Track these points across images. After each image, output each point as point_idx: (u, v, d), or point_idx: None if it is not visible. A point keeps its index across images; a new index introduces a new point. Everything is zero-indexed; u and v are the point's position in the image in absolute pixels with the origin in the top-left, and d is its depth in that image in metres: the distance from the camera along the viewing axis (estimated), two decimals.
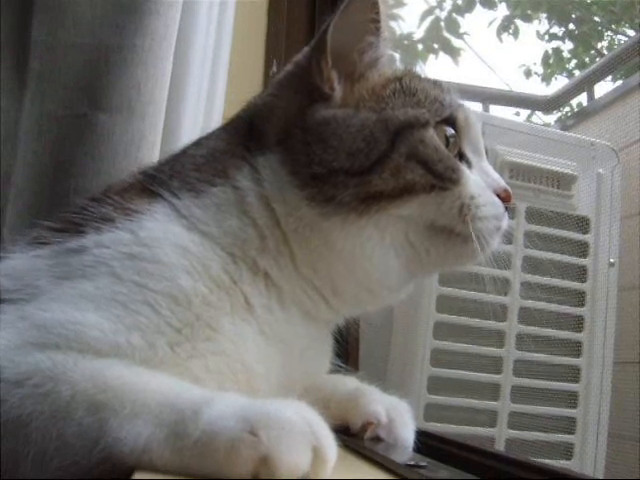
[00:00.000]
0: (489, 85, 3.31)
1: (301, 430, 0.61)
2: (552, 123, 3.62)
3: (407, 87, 0.94)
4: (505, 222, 0.95)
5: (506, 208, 0.95)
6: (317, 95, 0.91)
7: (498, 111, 3.15)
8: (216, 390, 0.73)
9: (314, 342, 0.94)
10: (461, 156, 0.95)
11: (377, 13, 0.93)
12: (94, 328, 0.74)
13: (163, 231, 0.83)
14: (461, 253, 0.91)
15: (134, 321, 0.76)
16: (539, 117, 3.77)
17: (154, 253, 0.81)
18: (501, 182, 0.95)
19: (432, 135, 0.89)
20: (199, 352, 0.79)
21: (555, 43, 4.43)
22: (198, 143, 0.99)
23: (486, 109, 3.04)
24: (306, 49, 0.97)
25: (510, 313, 2.06)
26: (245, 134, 0.95)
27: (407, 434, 0.90)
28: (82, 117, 1.31)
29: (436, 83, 0.98)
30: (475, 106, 2.98)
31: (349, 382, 0.95)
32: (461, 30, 4.10)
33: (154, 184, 0.90)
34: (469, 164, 0.95)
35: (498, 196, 0.94)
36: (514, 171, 2.10)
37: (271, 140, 0.91)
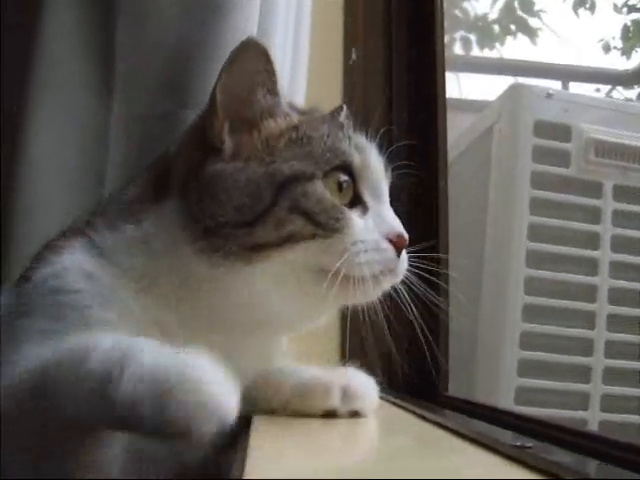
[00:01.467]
0: (567, 62, 3.22)
1: None
2: (634, 98, 3.50)
3: (301, 137, 0.95)
4: (400, 264, 0.95)
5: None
6: (209, 148, 0.94)
7: (578, 88, 3.06)
8: None
9: (237, 348, 0.94)
10: (357, 200, 0.96)
11: (269, 62, 0.94)
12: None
13: (72, 261, 0.90)
14: (349, 294, 0.91)
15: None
16: (620, 92, 3.65)
17: (64, 283, 0.88)
18: (396, 227, 0.96)
19: (316, 187, 0.91)
20: None
21: (634, 15, 4.28)
22: (122, 189, 1.04)
23: (565, 87, 2.97)
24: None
25: (600, 294, 2.03)
26: (156, 182, 0.99)
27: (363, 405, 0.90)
28: (169, 115, 1.34)
29: (334, 128, 0.99)
30: (554, 84, 2.92)
31: (304, 371, 0.95)
32: (536, 8, 4.00)
33: (83, 225, 0.98)
34: (365, 208, 0.96)
35: (391, 241, 0.94)
36: (599, 149, 2.06)
37: (173, 192, 0.95)
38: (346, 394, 0.88)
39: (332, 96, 1.77)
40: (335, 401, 0.88)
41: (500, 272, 2.02)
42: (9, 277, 1.33)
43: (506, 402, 1.94)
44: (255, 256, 0.88)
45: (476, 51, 3.43)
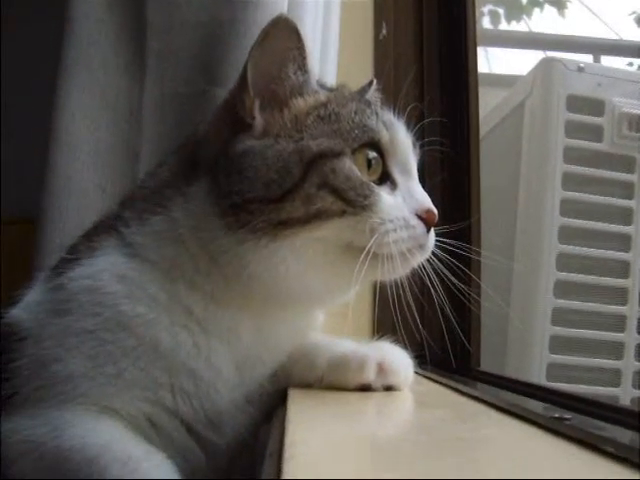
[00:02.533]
0: (598, 36, 3.16)
1: None
2: None
3: (330, 114, 0.96)
4: (429, 240, 0.96)
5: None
6: (240, 125, 0.94)
7: (609, 62, 3.01)
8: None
9: (271, 324, 0.98)
10: (386, 177, 0.96)
11: (299, 39, 0.94)
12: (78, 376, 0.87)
13: (108, 263, 0.94)
14: (380, 270, 0.91)
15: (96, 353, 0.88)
16: None
17: (99, 285, 0.91)
18: (425, 203, 0.96)
19: (344, 164, 0.91)
20: (147, 370, 0.89)
21: None
22: (153, 173, 1.06)
23: (597, 60, 2.92)
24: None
25: (633, 269, 2.01)
26: (186, 163, 1.00)
27: (398, 380, 0.91)
28: (201, 94, 1.35)
29: (362, 105, 0.99)
30: (584, 58, 2.87)
31: (339, 345, 0.96)
32: None
33: (113, 219, 1.00)
34: (394, 184, 0.96)
35: (420, 217, 0.94)
36: (632, 123, 2.04)
37: (202, 170, 0.96)
38: (381, 369, 0.89)
39: (362, 71, 1.76)
40: (370, 375, 0.89)
41: (532, 248, 2.01)
42: (45, 252, 1.36)
43: (538, 378, 1.93)
44: (282, 232, 0.88)
45: (504, 25, 3.39)
